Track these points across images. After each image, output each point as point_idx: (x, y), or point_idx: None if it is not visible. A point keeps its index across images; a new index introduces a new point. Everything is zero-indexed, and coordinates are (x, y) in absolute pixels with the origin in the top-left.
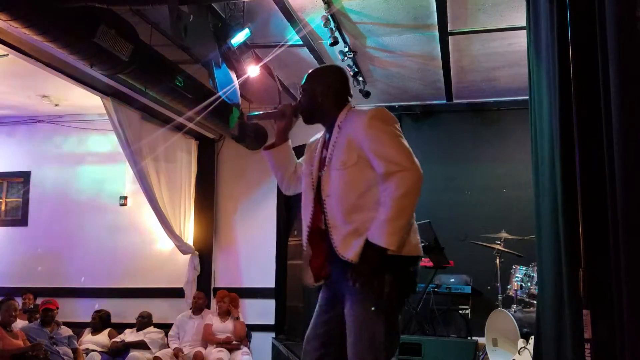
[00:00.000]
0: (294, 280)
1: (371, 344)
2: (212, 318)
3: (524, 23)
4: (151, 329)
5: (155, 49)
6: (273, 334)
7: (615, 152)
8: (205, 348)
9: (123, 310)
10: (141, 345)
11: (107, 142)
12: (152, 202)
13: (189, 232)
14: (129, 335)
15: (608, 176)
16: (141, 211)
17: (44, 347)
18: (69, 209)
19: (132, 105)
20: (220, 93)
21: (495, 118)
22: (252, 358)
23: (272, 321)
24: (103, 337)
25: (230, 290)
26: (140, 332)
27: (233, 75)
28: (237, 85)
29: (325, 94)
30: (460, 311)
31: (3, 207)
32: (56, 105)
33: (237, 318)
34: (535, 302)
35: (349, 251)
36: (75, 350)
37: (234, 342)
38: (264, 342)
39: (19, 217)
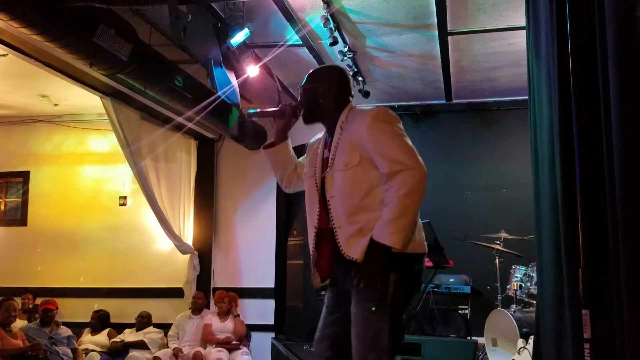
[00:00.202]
0: (293, 280)
1: (375, 343)
2: (211, 318)
3: (523, 23)
4: (150, 329)
5: (155, 48)
6: (273, 334)
7: (615, 152)
8: (205, 348)
9: (122, 310)
10: (140, 345)
11: (107, 142)
12: (151, 202)
13: (188, 232)
14: (129, 335)
15: (608, 176)
16: (140, 211)
17: (44, 347)
18: (69, 208)
19: (131, 105)
20: (219, 93)
21: (495, 118)
22: (251, 358)
23: (271, 321)
24: (102, 337)
25: (229, 290)
26: (140, 332)
27: (232, 75)
28: (236, 85)
29: (325, 94)
30: (459, 311)
31: (2, 207)
32: (55, 105)
33: (237, 316)
34: (534, 302)
35: (354, 251)
36: (74, 350)
37: (234, 342)
38: (263, 342)
39: (18, 217)
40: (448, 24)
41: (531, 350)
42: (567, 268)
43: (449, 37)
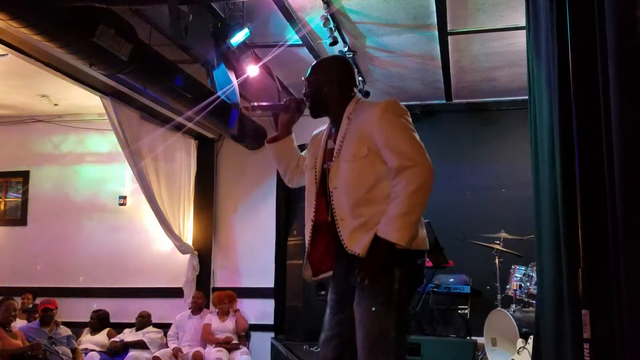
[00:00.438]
0: (293, 280)
1: (381, 339)
2: (211, 318)
3: (523, 23)
4: (150, 328)
5: (155, 48)
6: (272, 334)
7: (615, 152)
8: (205, 348)
9: (122, 310)
10: (140, 345)
11: (107, 141)
12: (151, 202)
13: (188, 231)
14: (128, 335)
15: (608, 176)
16: (140, 211)
17: (43, 346)
18: (68, 208)
19: (131, 105)
20: (219, 93)
21: (495, 118)
22: (251, 358)
23: (271, 321)
24: (102, 337)
25: (229, 290)
26: (139, 332)
27: (232, 75)
28: (236, 85)
29: (329, 85)
30: (459, 311)
31: (2, 207)
32: (55, 104)
33: (237, 310)
34: (534, 301)
35: (357, 245)
36: (74, 350)
37: (234, 342)
38: (263, 342)
39: (18, 217)
40: (448, 24)
41: (531, 350)
42: (567, 268)
43: (449, 37)
